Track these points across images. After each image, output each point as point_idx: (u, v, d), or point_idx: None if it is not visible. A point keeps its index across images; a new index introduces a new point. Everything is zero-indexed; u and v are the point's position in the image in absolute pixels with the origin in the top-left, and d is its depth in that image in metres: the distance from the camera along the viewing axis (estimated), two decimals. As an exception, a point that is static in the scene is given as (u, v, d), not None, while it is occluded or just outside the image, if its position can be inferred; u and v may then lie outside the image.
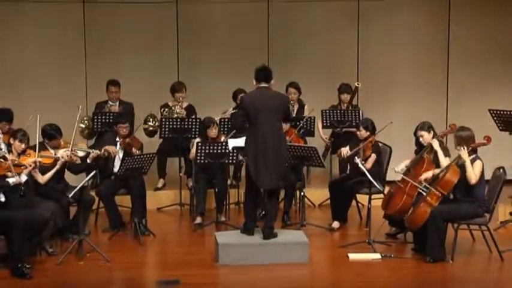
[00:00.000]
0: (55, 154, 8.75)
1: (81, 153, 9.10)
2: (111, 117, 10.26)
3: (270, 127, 8.29)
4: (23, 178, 8.00)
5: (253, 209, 8.57)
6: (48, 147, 8.88)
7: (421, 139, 8.77)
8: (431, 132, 8.76)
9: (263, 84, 8.39)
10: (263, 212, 9.28)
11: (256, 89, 8.45)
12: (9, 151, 8.42)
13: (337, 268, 8.27)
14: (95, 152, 9.17)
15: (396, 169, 8.92)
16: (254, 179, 8.34)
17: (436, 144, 8.64)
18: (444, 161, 8.52)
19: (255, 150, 8.30)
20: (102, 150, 9.31)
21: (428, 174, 8.41)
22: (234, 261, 8.12)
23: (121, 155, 9.54)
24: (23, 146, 8.47)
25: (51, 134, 8.89)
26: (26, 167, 8.11)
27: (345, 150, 9.46)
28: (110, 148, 9.42)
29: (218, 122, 10.05)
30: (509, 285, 7.81)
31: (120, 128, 9.62)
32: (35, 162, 8.20)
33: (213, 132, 9.84)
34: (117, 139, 9.63)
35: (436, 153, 8.62)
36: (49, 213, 8.31)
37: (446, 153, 8.68)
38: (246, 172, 8.57)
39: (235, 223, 9.48)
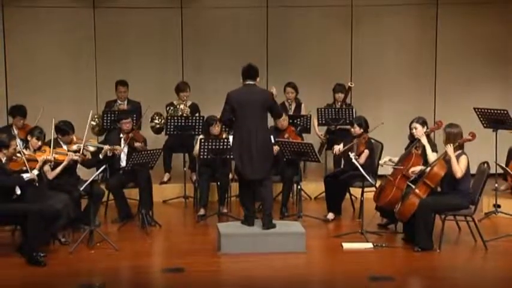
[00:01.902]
0: (68, 150, 8.78)
1: (92, 149, 9.15)
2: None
3: (255, 121, 8.26)
4: (35, 172, 8.01)
5: (250, 200, 8.54)
6: (61, 143, 8.91)
7: (414, 131, 8.76)
8: (425, 127, 8.76)
9: (249, 82, 8.34)
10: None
11: (242, 86, 8.41)
12: (26, 147, 8.44)
13: (332, 257, 8.28)
14: (106, 148, 9.20)
15: (380, 162, 8.98)
16: (240, 170, 8.37)
17: (424, 140, 8.65)
18: (431, 156, 8.52)
19: (240, 143, 8.30)
20: (108, 150, 9.33)
21: (417, 168, 8.42)
22: (235, 250, 8.12)
23: (125, 150, 9.56)
24: (40, 143, 8.50)
25: (64, 130, 8.94)
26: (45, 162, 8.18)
27: (337, 148, 9.46)
28: (117, 148, 9.45)
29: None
30: (492, 273, 7.83)
31: (123, 124, 9.64)
32: (47, 160, 8.24)
33: (215, 129, 9.83)
34: (121, 135, 9.65)
35: (424, 147, 8.63)
36: (62, 205, 8.31)
37: (434, 149, 8.69)
38: (236, 167, 8.59)
39: (237, 214, 9.49)
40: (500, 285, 7.44)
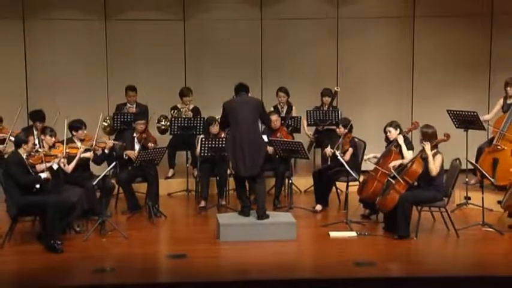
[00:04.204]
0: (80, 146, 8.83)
1: (102, 145, 9.18)
2: (129, 117, 10.27)
3: (247, 124, 8.32)
4: (55, 166, 8.05)
5: (245, 194, 8.59)
6: (75, 140, 8.94)
7: (388, 134, 8.82)
8: (398, 129, 8.80)
9: (241, 93, 8.48)
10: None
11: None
12: (42, 146, 8.46)
13: (320, 244, 8.29)
14: (109, 142, 9.19)
15: (365, 158, 9.01)
16: (234, 168, 8.40)
17: (400, 140, 8.69)
18: (407, 154, 8.59)
19: (234, 144, 8.34)
20: (124, 155, 9.46)
21: (396, 162, 8.46)
22: (232, 238, 8.14)
23: (137, 147, 9.57)
24: (53, 139, 8.52)
25: (77, 126, 8.99)
26: (57, 157, 8.19)
27: (329, 150, 9.46)
28: (130, 154, 9.47)
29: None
30: (463, 258, 7.86)
31: (137, 125, 9.66)
32: (60, 156, 8.27)
33: (214, 128, 9.85)
34: (135, 134, 9.66)
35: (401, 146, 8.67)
36: (77, 198, 8.34)
37: (410, 147, 8.73)
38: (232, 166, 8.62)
39: (234, 206, 9.48)
40: (470, 269, 7.48)
